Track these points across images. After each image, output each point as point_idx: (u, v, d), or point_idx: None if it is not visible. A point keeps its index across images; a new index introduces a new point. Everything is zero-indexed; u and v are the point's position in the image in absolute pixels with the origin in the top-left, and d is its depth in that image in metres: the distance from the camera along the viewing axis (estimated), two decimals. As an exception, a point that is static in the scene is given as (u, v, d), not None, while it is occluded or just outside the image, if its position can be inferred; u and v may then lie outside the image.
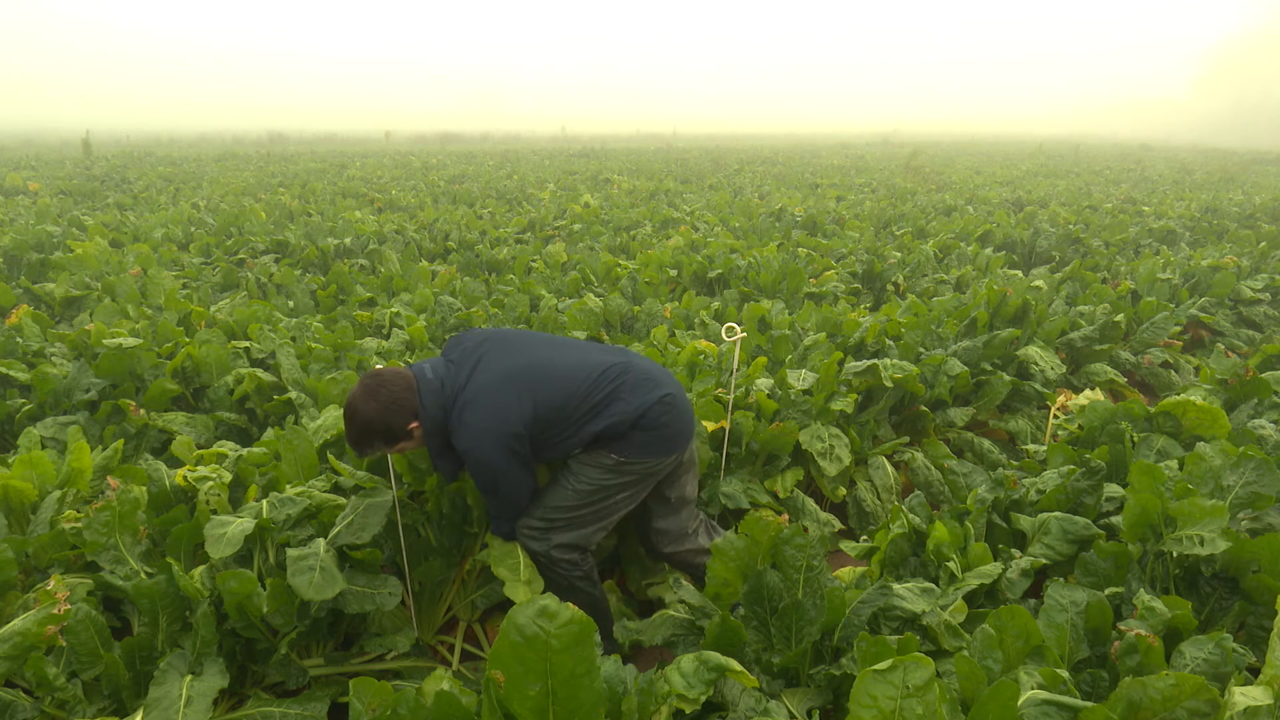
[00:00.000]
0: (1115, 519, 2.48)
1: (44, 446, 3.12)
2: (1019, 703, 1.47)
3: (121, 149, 30.28)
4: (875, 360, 3.58)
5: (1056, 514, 2.41)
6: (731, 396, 3.02)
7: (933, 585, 2.11)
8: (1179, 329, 5.30)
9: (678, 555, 2.55)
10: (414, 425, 2.20)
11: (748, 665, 1.97)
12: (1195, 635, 1.72)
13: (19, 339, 4.24)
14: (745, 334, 2.86)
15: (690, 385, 3.43)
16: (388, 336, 5.08)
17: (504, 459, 2.18)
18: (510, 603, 2.45)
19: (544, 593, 2.28)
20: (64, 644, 1.93)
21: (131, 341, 3.76)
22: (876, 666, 1.34)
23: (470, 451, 2.17)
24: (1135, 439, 2.97)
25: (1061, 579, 1.97)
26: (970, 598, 2.22)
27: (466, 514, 2.56)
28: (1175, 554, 2.09)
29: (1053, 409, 4.01)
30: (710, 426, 3.00)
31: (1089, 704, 1.47)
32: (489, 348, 2.28)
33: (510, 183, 15.96)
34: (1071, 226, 8.92)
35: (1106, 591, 2.05)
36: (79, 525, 2.28)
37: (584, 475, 2.31)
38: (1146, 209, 11.08)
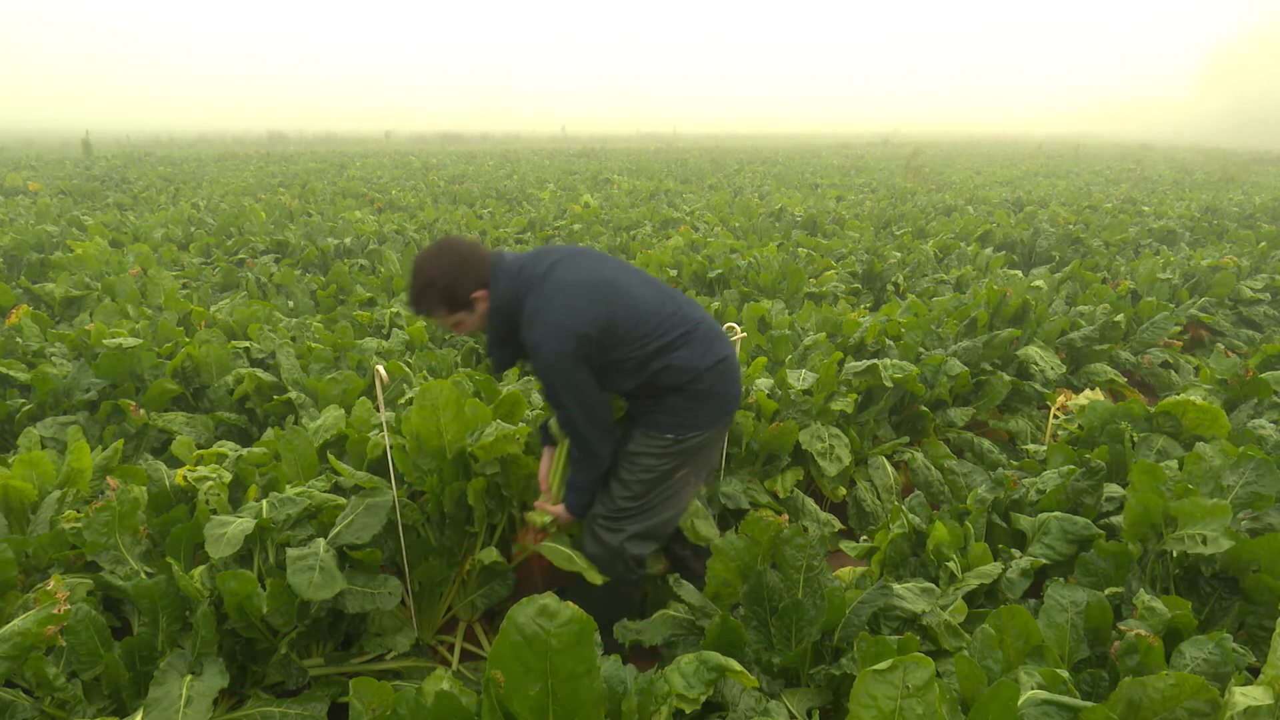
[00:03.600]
0: (1115, 519, 2.48)
1: (44, 446, 3.12)
2: (1019, 703, 1.47)
3: (121, 149, 30.29)
4: (875, 360, 3.58)
5: (1056, 514, 2.41)
6: (731, 396, 3.01)
7: (933, 585, 2.11)
8: (1179, 329, 5.30)
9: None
10: (479, 295, 2.14)
11: (748, 665, 1.97)
12: (1195, 635, 1.72)
13: (19, 339, 4.24)
14: (745, 334, 2.86)
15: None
16: (388, 336, 5.08)
17: (571, 359, 2.10)
18: (510, 602, 2.45)
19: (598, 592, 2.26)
20: (64, 644, 1.93)
21: (131, 341, 3.76)
22: (876, 666, 1.34)
23: (540, 345, 2.10)
24: (1135, 439, 2.97)
25: (1061, 579, 1.97)
26: (970, 598, 2.22)
27: (468, 514, 2.56)
28: (1175, 554, 2.09)
29: (1053, 409, 4.01)
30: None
31: (1089, 704, 1.47)
32: (571, 252, 2.25)
33: (510, 183, 15.96)
34: (1071, 226, 8.92)
35: (1106, 591, 2.05)
36: (79, 525, 2.28)
37: (641, 463, 2.27)
38: (1146, 209, 11.08)
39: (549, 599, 1.33)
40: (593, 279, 2.17)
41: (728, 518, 2.98)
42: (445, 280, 2.11)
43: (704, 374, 2.22)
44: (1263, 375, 3.48)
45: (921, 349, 4.29)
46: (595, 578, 2.27)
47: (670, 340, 2.19)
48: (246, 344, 4.34)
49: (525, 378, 4.28)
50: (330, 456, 2.65)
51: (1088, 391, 4.10)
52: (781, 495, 3.10)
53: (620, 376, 2.21)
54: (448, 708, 1.46)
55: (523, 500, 2.64)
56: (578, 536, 2.56)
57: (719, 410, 2.29)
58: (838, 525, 3.16)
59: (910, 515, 2.45)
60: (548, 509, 2.39)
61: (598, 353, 2.13)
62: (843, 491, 3.25)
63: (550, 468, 2.45)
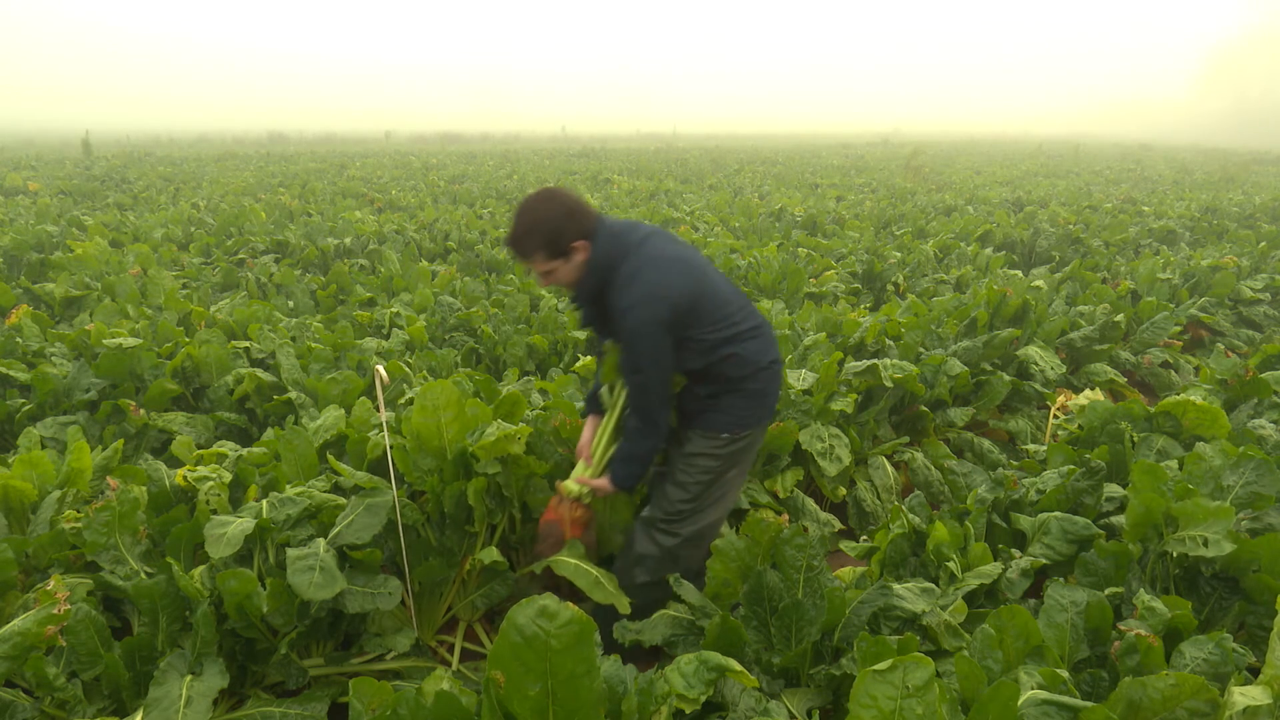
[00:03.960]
0: (1115, 519, 2.48)
1: (44, 446, 3.12)
2: (1019, 703, 1.47)
3: (121, 149, 30.28)
4: (875, 360, 3.58)
5: (1056, 514, 2.41)
6: (731, 396, 3.01)
7: (933, 585, 2.11)
8: (1179, 329, 5.30)
9: None
10: (579, 244, 2.16)
11: (748, 665, 1.97)
12: (1195, 635, 1.72)
13: (19, 339, 4.23)
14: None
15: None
16: (388, 336, 5.08)
17: (659, 326, 2.15)
18: (510, 602, 2.45)
19: (632, 600, 2.29)
20: (64, 644, 1.93)
21: (131, 341, 3.76)
22: (876, 666, 1.34)
23: (632, 309, 2.14)
24: (1135, 439, 2.97)
25: (1061, 579, 1.97)
26: (970, 598, 2.22)
27: (468, 514, 2.56)
28: (1175, 554, 2.09)
29: (1053, 409, 4.01)
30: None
31: (1089, 704, 1.47)
32: (661, 231, 2.32)
33: (510, 183, 15.96)
34: (1071, 226, 8.92)
35: (1106, 591, 2.05)
36: (79, 525, 2.28)
37: (699, 464, 2.35)
38: (1146, 209, 11.08)
39: (549, 599, 1.33)
40: (683, 256, 2.26)
41: (728, 518, 2.98)
42: (552, 224, 2.13)
43: (760, 372, 2.30)
44: (1263, 375, 3.49)
45: (921, 349, 4.30)
46: (624, 605, 2.29)
47: (742, 330, 2.28)
48: (246, 344, 4.34)
49: (526, 377, 4.28)
50: (330, 456, 2.65)
51: (1088, 391, 4.10)
52: (781, 495, 3.10)
53: (691, 355, 2.26)
54: (448, 708, 1.46)
55: (523, 500, 2.64)
56: (602, 515, 2.53)
57: (766, 411, 2.38)
58: (838, 525, 3.15)
59: (910, 515, 2.45)
60: (587, 480, 2.40)
61: (680, 326, 2.19)
62: (843, 491, 3.25)
63: (592, 438, 2.47)
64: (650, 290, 2.14)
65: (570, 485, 2.42)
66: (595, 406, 2.51)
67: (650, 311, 2.13)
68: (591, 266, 2.20)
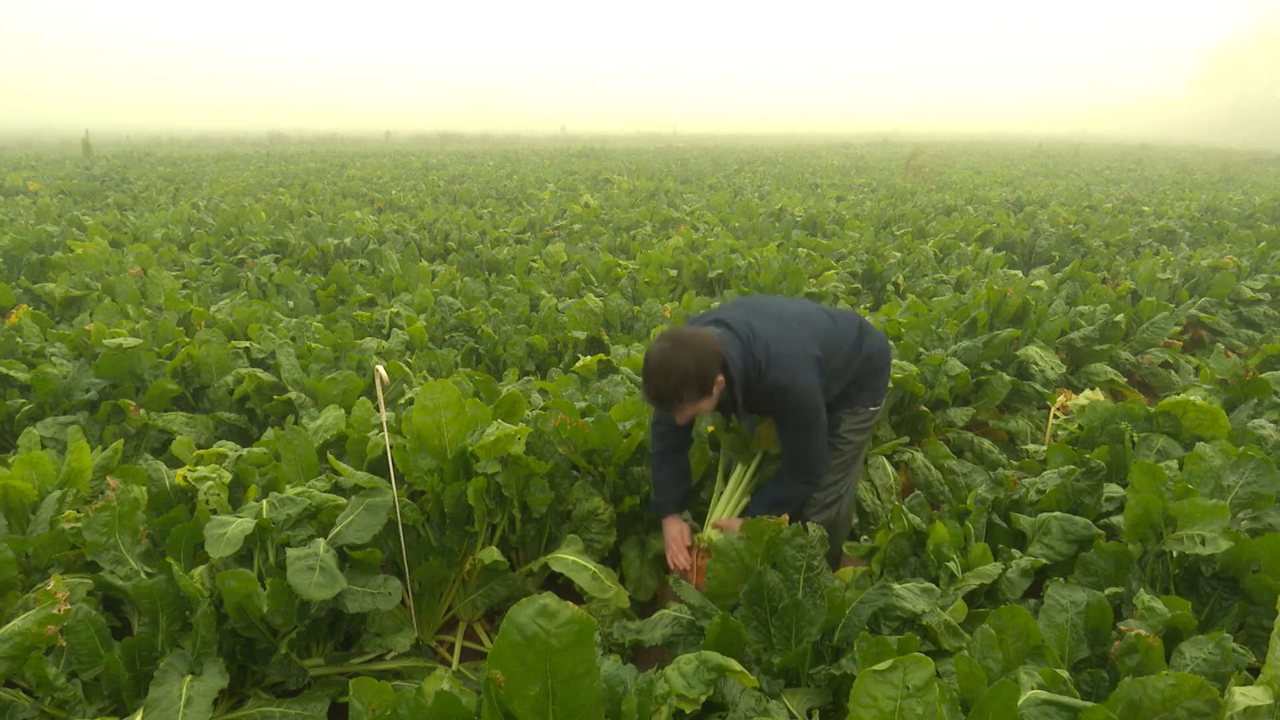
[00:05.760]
0: (1115, 519, 2.48)
1: (44, 446, 3.12)
2: (1019, 703, 1.47)
3: (121, 149, 30.28)
4: (875, 360, 3.57)
5: (1056, 514, 2.41)
6: (731, 396, 3.01)
7: (933, 585, 2.11)
8: (1179, 329, 5.30)
9: None
10: (720, 377, 2.22)
11: (748, 665, 1.97)
12: (1195, 635, 1.72)
13: (19, 339, 4.24)
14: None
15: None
16: (388, 336, 5.08)
17: (818, 386, 2.30)
18: (510, 602, 2.45)
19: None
20: (64, 644, 1.93)
21: (131, 341, 3.76)
22: (876, 666, 1.34)
23: (793, 383, 2.24)
24: (1135, 439, 2.97)
25: (1061, 579, 1.97)
26: (970, 598, 2.22)
27: (468, 514, 2.56)
28: (1175, 554, 2.09)
29: (1053, 409, 4.01)
30: (710, 428, 3.00)
31: (1089, 704, 1.47)
32: (747, 308, 2.41)
33: (510, 183, 15.96)
34: (1071, 226, 8.92)
35: (1106, 591, 2.05)
36: (79, 525, 2.28)
37: (848, 439, 2.54)
38: (1146, 209, 11.08)
39: (549, 599, 1.33)
40: (783, 315, 2.38)
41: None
42: (698, 371, 2.17)
43: (882, 352, 2.56)
44: (1263, 375, 3.49)
45: (921, 349, 4.30)
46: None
47: (853, 338, 2.49)
48: (246, 344, 4.34)
49: (526, 377, 4.28)
50: (330, 456, 2.65)
51: (1088, 391, 4.09)
52: (781, 495, 3.10)
53: (835, 382, 2.43)
54: (448, 708, 1.46)
55: (523, 500, 2.64)
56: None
57: (885, 384, 2.61)
58: (838, 525, 3.15)
59: (910, 515, 2.45)
60: (725, 522, 2.47)
61: (821, 374, 2.34)
62: (843, 491, 3.24)
63: (680, 535, 2.54)
64: (794, 363, 2.26)
65: (710, 534, 2.46)
66: (674, 508, 2.58)
67: (806, 378, 2.27)
68: (736, 384, 2.26)
